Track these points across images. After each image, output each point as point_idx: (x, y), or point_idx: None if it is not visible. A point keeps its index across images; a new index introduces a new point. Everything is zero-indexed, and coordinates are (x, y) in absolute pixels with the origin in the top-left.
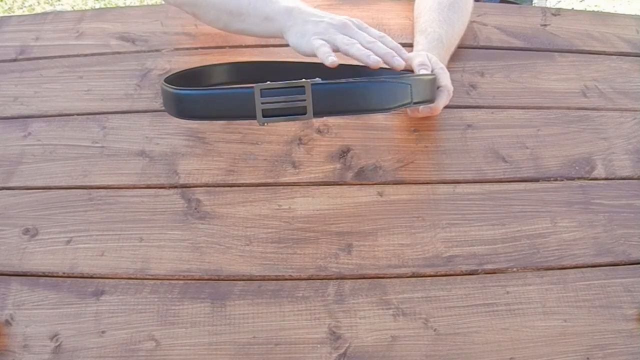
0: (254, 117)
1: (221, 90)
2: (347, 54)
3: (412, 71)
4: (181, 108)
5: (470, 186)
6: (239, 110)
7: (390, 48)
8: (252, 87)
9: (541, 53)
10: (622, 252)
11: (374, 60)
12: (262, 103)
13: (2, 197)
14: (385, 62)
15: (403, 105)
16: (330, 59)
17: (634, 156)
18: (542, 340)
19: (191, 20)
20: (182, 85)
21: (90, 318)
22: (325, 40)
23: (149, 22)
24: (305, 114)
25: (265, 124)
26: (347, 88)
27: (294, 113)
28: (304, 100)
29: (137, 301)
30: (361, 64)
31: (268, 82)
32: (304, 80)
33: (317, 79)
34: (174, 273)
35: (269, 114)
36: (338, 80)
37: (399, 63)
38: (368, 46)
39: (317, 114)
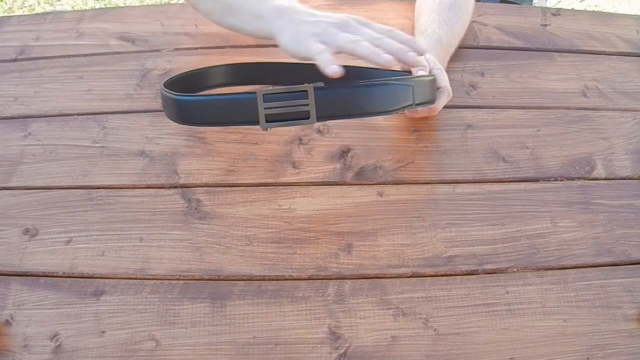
0: (256, 122)
1: (222, 97)
2: (353, 54)
3: (409, 72)
4: (182, 114)
5: (470, 186)
6: (241, 116)
7: (401, 42)
8: (254, 92)
9: (541, 53)
10: (622, 252)
11: (385, 60)
12: (265, 108)
13: (2, 197)
14: (398, 60)
15: (405, 107)
16: (332, 69)
17: (634, 156)
18: (542, 340)
19: (191, 20)
20: (181, 88)
21: (90, 318)
22: (326, 42)
23: (149, 22)
24: (308, 118)
25: (269, 129)
26: (350, 92)
27: (297, 118)
28: (307, 105)
29: (137, 301)
30: (363, 65)
31: (270, 87)
32: (306, 85)
33: (319, 83)
34: (174, 273)
35: (272, 119)
36: (340, 85)
37: (413, 59)
38: (376, 43)
39: (320, 118)
